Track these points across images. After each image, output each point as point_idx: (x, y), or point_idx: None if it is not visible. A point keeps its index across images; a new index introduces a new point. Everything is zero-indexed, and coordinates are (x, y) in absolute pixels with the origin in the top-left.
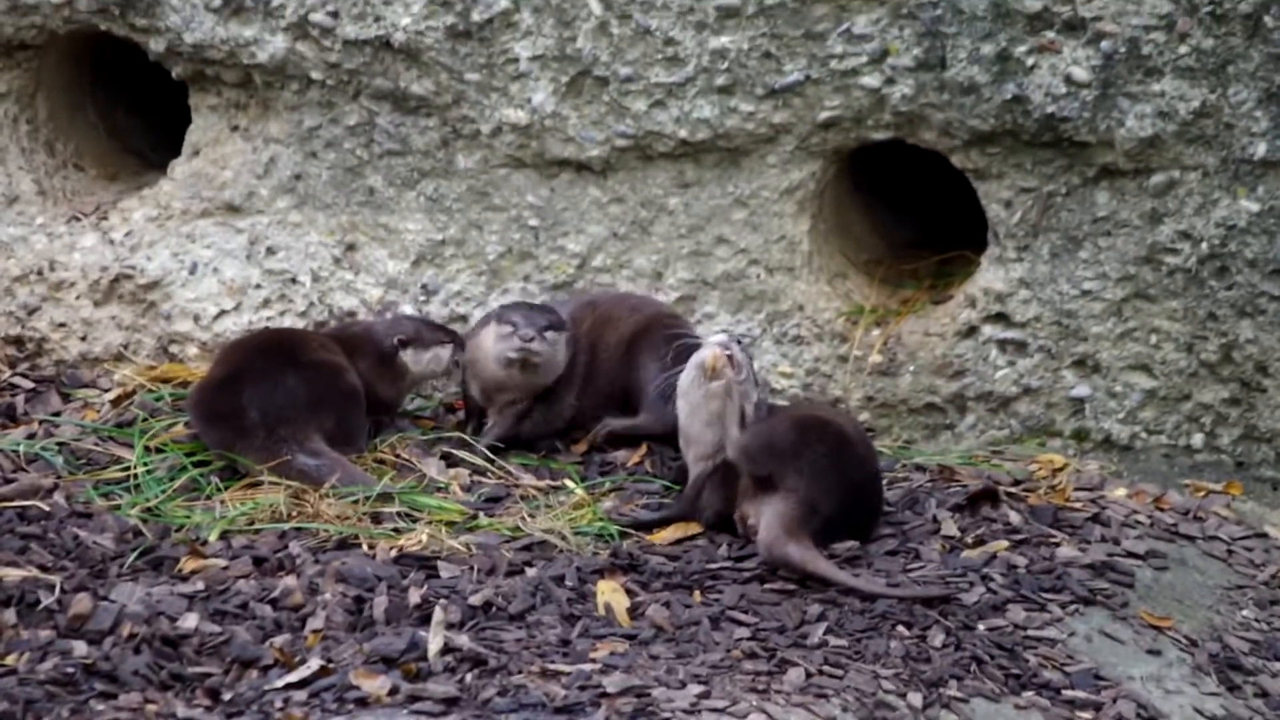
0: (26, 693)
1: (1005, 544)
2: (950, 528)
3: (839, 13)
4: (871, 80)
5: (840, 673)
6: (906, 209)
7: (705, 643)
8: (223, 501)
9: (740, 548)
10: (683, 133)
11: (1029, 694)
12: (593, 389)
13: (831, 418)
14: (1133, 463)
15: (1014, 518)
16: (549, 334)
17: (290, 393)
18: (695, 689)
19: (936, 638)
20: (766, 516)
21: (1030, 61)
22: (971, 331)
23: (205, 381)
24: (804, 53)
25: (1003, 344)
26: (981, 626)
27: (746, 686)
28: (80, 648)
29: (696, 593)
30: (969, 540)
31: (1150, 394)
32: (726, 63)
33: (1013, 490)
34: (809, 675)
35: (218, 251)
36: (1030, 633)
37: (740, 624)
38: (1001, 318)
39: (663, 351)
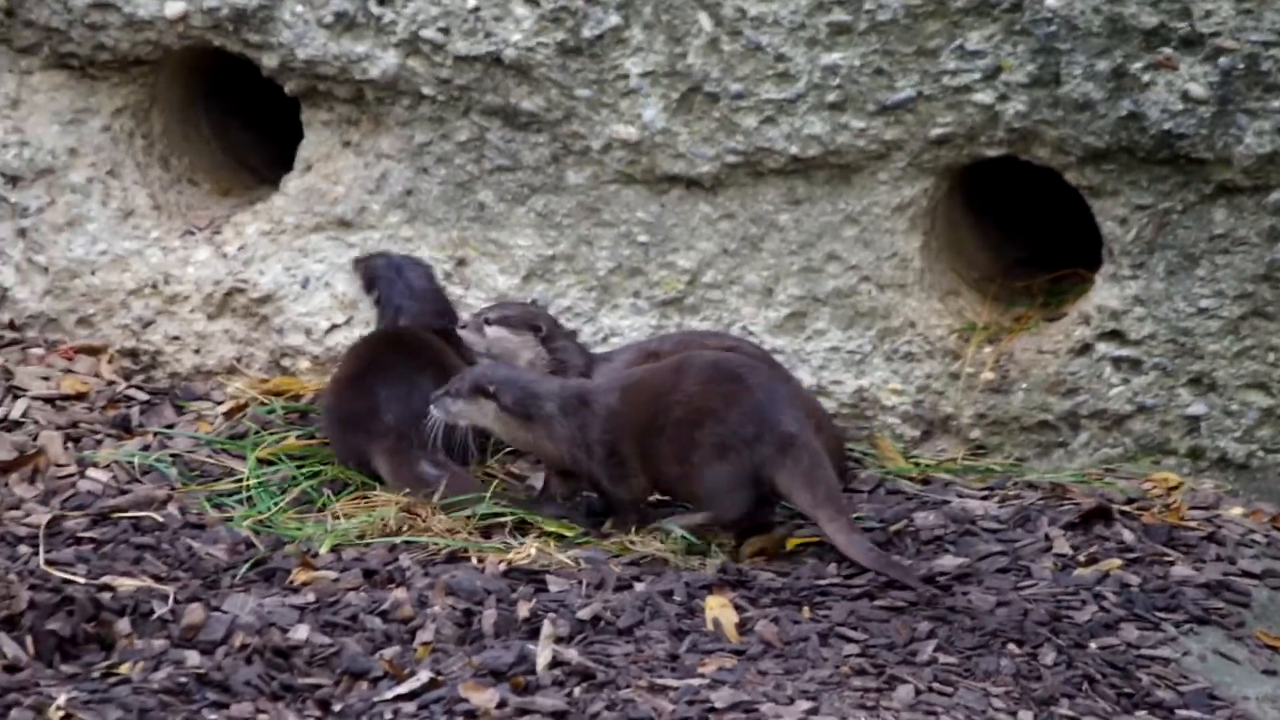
0: (140, 701)
1: (1118, 562)
2: (1062, 546)
3: (952, 29)
4: (984, 97)
5: (950, 690)
6: (1018, 226)
7: (814, 659)
8: (335, 515)
9: (849, 566)
10: (793, 149)
11: (1141, 713)
12: None
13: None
14: (1249, 481)
15: (1127, 536)
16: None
17: (425, 397)
18: (804, 705)
19: (1048, 656)
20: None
21: (1146, 78)
22: (1085, 349)
23: (337, 381)
24: (916, 69)
25: (1117, 361)
26: (1094, 645)
27: (855, 703)
28: (193, 657)
29: (805, 609)
30: (1081, 558)
31: (1267, 412)
32: (838, 79)
33: (1126, 509)
34: (918, 692)
35: (330, 266)
36: (1143, 652)
37: (849, 640)
38: (1116, 335)
39: None
